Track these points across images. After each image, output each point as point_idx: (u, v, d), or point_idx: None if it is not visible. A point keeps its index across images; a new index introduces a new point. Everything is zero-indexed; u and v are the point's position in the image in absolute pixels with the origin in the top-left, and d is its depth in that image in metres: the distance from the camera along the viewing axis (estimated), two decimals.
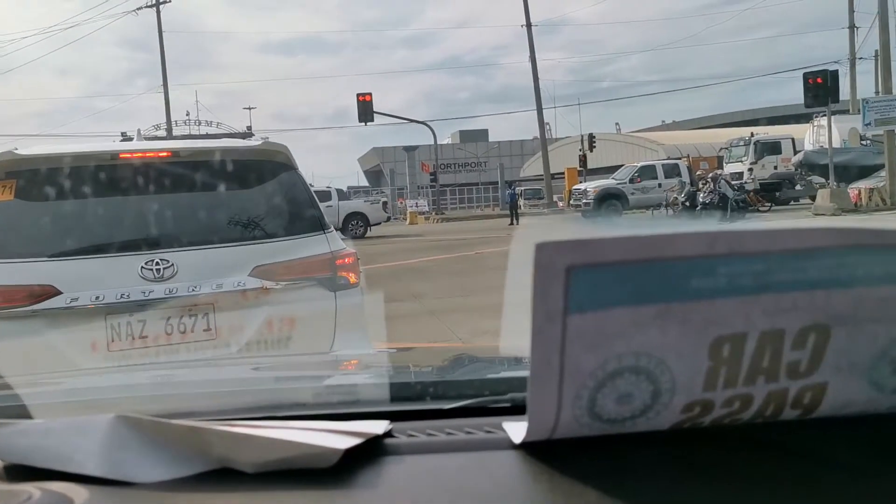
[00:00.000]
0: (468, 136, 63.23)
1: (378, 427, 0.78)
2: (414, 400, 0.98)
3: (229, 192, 3.05)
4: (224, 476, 0.70)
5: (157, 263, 2.73)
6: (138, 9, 34.37)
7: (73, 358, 2.64)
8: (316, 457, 0.69)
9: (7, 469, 0.75)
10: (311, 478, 0.68)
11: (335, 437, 0.71)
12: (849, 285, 0.62)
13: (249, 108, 46.51)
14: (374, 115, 26.62)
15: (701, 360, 0.64)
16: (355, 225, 23.28)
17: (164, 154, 3.01)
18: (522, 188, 42.16)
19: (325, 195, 22.15)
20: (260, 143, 3.21)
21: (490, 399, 0.94)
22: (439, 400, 0.93)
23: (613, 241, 0.57)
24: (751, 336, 0.63)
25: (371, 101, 26.66)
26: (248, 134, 32.04)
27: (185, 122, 36.73)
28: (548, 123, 46.53)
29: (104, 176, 2.85)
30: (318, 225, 3.05)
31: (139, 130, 4.41)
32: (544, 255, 0.57)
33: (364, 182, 62.43)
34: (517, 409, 0.87)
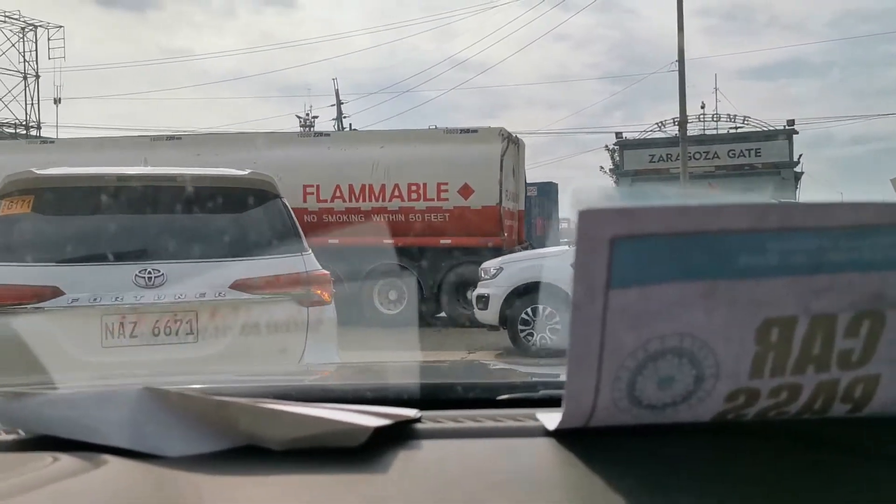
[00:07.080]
0: None
1: (409, 412, 0.76)
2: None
3: (217, 214, 3.45)
4: (250, 453, 0.68)
5: (149, 272, 3.10)
6: None
7: (70, 350, 2.95)
8: (345, 434, 0.67)
9: (33, 440, 0.75)
10: (339, 458, 0.66)
11: (366, 417, 0.69)
12: None
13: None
14: None
15: (748, 344, 0.61)
16: None
17: (162, 178, 3.47)
18: None
19: None
20: (247, 173, 3.61)
21: (522, 395, 0.91)
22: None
23: (660, 211, 0.55)
24: (801, 320, 0.60)
25: None
26: (793, 131, 25.26)
27: (698, 118, 32.93)
28: None
29: (107, 195, 3.29)
30: (296, 247, 3.41)
31: (145, 159, 5.32)
32: (588, 223, 0.54)
33: None
34: (549, 403, 0.84)
